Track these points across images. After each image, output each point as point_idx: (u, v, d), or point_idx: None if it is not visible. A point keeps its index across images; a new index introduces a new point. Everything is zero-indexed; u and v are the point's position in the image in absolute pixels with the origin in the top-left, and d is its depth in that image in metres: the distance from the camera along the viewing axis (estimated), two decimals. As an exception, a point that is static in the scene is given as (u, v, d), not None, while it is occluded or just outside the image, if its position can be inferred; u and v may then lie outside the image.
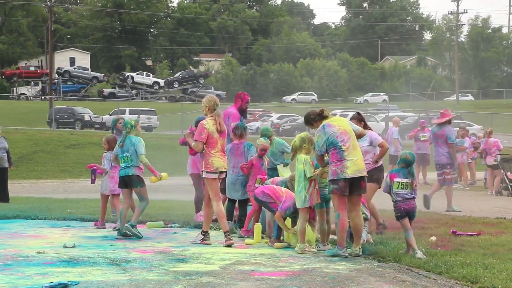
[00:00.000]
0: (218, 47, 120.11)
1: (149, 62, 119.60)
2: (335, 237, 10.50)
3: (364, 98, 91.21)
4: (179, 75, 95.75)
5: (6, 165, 19.14)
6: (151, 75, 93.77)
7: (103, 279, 8.27)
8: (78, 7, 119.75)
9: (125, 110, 56.64)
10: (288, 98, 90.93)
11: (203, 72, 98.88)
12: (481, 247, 10.62)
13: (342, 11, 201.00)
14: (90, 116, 55.02)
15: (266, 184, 11.74)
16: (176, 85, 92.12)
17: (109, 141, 13.85)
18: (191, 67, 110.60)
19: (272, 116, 59.72)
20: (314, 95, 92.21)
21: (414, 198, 10.30)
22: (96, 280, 8.16)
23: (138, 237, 12.01)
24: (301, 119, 11.40)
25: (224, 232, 11.27)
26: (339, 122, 10.32)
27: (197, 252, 10.42)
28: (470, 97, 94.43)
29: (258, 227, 11.61)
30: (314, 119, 10.45)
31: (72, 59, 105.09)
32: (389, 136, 25.66)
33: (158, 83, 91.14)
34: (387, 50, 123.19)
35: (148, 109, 57.74)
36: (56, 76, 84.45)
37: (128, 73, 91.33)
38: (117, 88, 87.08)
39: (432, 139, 17.85)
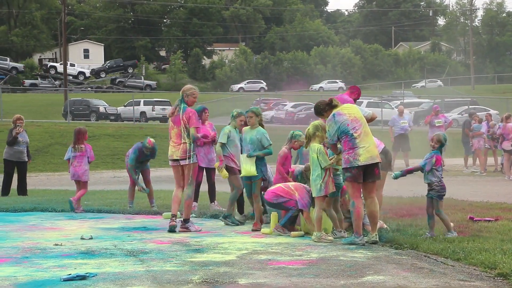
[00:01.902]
0: (231, 36, 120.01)
1: (162, 53, 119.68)
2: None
3: (319, 85, 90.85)
4: (106, 65, 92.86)
5: (26, 159, 19.28)
6: (75, 65, 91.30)
7: (120, 270, 8.29)
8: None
9: (140, 101, 56.84)
10: (236, 87, 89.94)
11: (131, 61, 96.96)
12: (499, 232, 10.57)
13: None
14: (105, 108, 55.18)
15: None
16: (103, 75, 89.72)
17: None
18: (205, 56, 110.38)
19: (286, 104, 59.61)
20: (262, 83, 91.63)
21: None
22: (114, 272, 8.18)
23: (236, 224, 12.39)
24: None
25: (172, 215, 11.81)
26: (349, 110, 10.27)
27: (214, 242, 10.42)
28: (439, 82, 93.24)
29: (274, 215, 11.59)
30: (324, 109, 10.42)
31: (86, 51, 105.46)
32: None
33: (83, 73, 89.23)
34: (401, 36, 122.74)
35: (163, 99, 57.84)
36: None
37: (50, 63, 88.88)
38: (39, 78, 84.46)
39: None
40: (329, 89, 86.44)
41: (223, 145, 12.45)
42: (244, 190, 12.46)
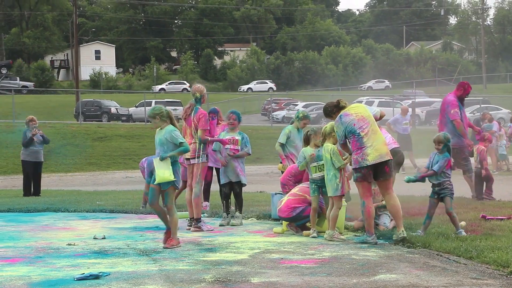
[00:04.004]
0: (242, 36, 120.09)
1: (174, 53, 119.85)
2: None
3: (248, 86, 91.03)
4: None
5: (43, 159, 19.56)
6: None
7: (133, 269, 8.32)
8: (102, 0, 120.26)
9: (151, 101, 56.99)
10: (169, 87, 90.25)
11: (5, 61, 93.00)
12: (511, 231, 10.54)
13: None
14: (116, 109, 55.38)
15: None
16: None
17: None
18: (216, 57, 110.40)
19: (298, 104, 59.63)
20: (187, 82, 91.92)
21: None
22: (127, 271, 8.21)
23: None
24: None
25: (190, 218, 12.01)
26: (356, 110, 10.29)
27: (226, 242, 10.44)
28: (387, 83, 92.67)
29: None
30: (332, 111, 10.45)
31: (97, 52, 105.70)
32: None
33: None
34: (412, 36, 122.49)
35: (174, 100, 57.98)
36: None
37: None
38: None
39: None
40: (258, 90, 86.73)
41: (282, 145, 12.76)
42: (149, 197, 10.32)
